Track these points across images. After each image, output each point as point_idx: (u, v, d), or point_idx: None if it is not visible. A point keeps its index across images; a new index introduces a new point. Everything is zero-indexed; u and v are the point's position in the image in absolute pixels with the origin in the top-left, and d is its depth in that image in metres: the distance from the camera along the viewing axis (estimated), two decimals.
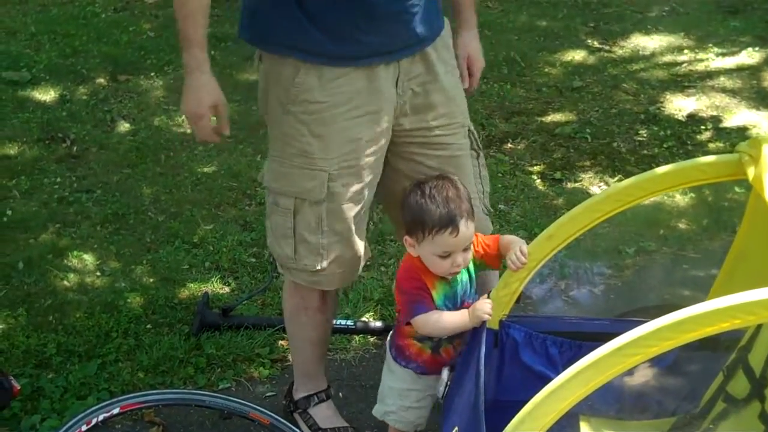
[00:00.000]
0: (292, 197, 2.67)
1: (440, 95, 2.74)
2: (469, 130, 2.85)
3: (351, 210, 2.68)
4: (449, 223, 2.46)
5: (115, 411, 2.90)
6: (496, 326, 2.72)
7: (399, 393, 2.80)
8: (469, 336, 2.67)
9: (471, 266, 2.72)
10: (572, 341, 2.70)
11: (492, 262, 2.73)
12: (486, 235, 2.76)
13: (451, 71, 2.80)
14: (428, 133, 2.75)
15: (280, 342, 3.60)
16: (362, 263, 2.86)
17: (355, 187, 2.67)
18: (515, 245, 2.61)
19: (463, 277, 2.69)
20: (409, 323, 2.63)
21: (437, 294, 2.62)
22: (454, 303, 2.66)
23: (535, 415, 2.02)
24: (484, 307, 2.55)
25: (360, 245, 2.78)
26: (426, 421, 2.86)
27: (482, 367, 2.39)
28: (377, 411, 2.88)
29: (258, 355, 3.53)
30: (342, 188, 2.64)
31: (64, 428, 2.76)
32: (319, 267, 2.72)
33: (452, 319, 2.59)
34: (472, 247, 2.60)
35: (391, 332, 2.84)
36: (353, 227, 2.72)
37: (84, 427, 2.80)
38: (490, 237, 2.75)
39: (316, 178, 2.62)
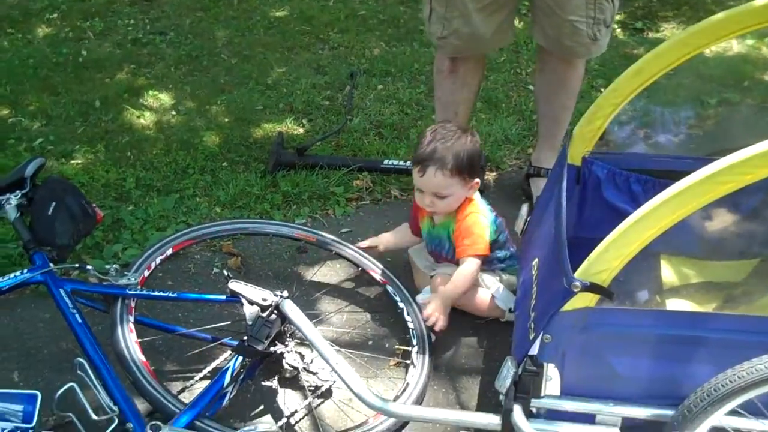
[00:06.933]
0: None
1: None
2: None
3: None
4: (418, 162, 2.75)
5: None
6: (578, 163, 2.68)
7: None
8: (551, 172, 2.64)
9: (450, 230, 2.85)
10: (656, 179, 2.62)
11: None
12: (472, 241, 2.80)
13: None
14: None
15: (355, 182, 3.60)
16: (490, 45, 3.32)
17: None
18: (432, 299, 2.75)
19: (441, 232, 2.88)
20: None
21: (422, 224, 2.95)
22: (426, 243, 2.99)
23: (622, 241, 1.99)
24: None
25: (480, 27, 3.15)
26: None
27: (564, 200, 2.36)
28: None
29: (333, 193, 3.55)
30: None
31: (148, 252, 2.80)
32: (439, 34, 3.20)
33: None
34: (451, 201, 2.78)
35: None
36: (472, 8, 3.10)
37: (170, 251, 2.85)
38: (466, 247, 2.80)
39: None
